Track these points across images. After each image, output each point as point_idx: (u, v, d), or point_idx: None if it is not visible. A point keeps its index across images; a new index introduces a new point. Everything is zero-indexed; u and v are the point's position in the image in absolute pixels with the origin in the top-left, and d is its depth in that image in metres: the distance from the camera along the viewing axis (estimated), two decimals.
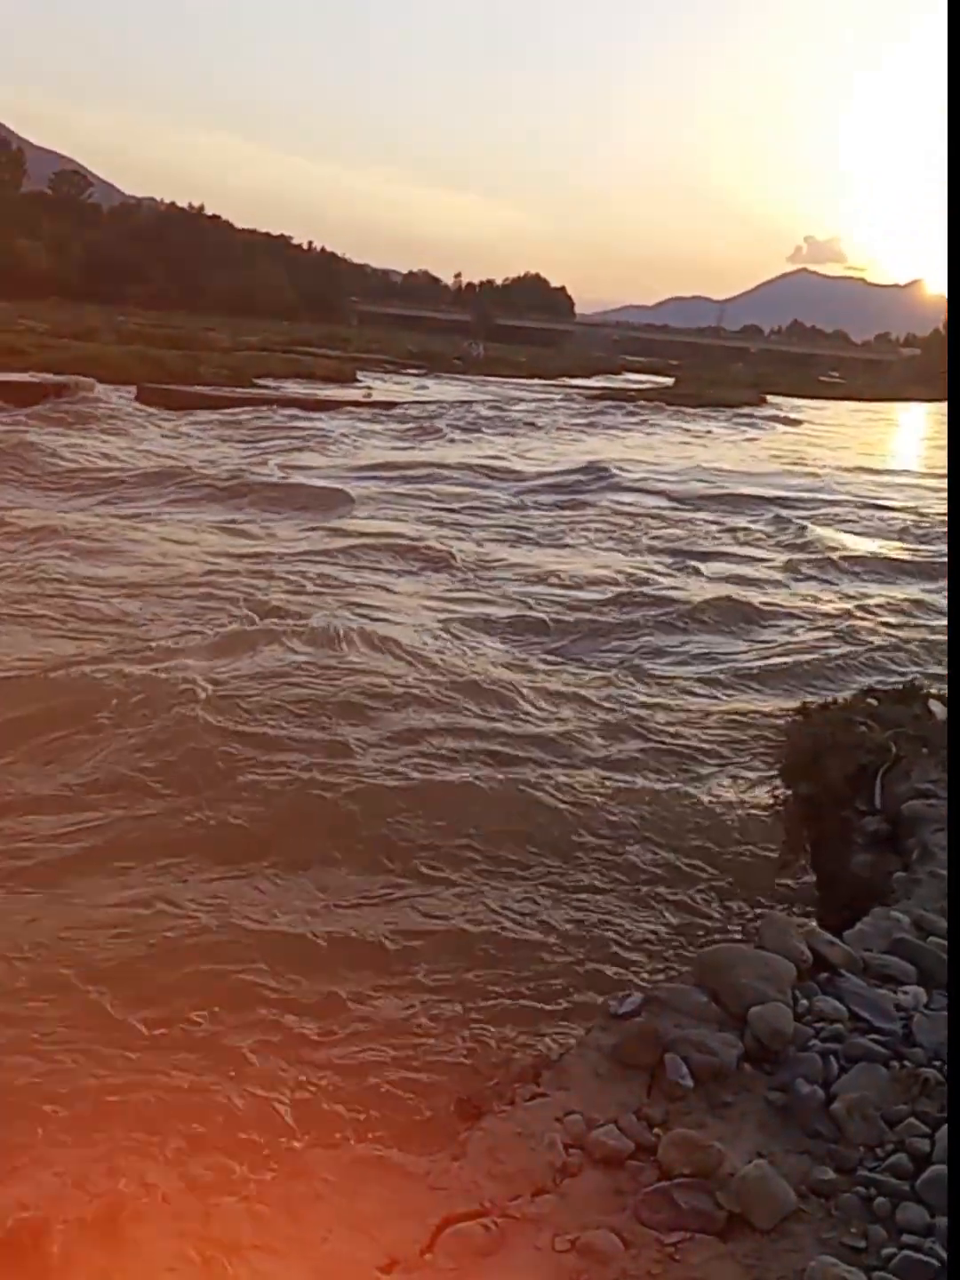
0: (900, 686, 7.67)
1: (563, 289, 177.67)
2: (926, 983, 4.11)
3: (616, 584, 14.46)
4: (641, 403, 55.06)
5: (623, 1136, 3.21)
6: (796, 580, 16.10)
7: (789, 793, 6.70)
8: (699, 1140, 3.15)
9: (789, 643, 12.13)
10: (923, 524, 22.52)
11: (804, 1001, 3.91)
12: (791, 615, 13.47)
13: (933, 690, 7.37)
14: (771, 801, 6.81)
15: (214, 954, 4.77)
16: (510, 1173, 3.08)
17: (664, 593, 13.94)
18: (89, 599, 11.16)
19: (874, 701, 7.22)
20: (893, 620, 13.33)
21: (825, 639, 12.26)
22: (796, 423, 54.47)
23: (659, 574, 15.49)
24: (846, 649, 11.74)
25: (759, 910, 4.93)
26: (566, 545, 17.24)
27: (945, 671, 9.65)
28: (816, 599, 14.82)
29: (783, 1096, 3.46)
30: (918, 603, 14.62)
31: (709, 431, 44.69)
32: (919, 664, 11.37)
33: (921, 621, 13.47)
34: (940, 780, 6.07)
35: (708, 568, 16.33)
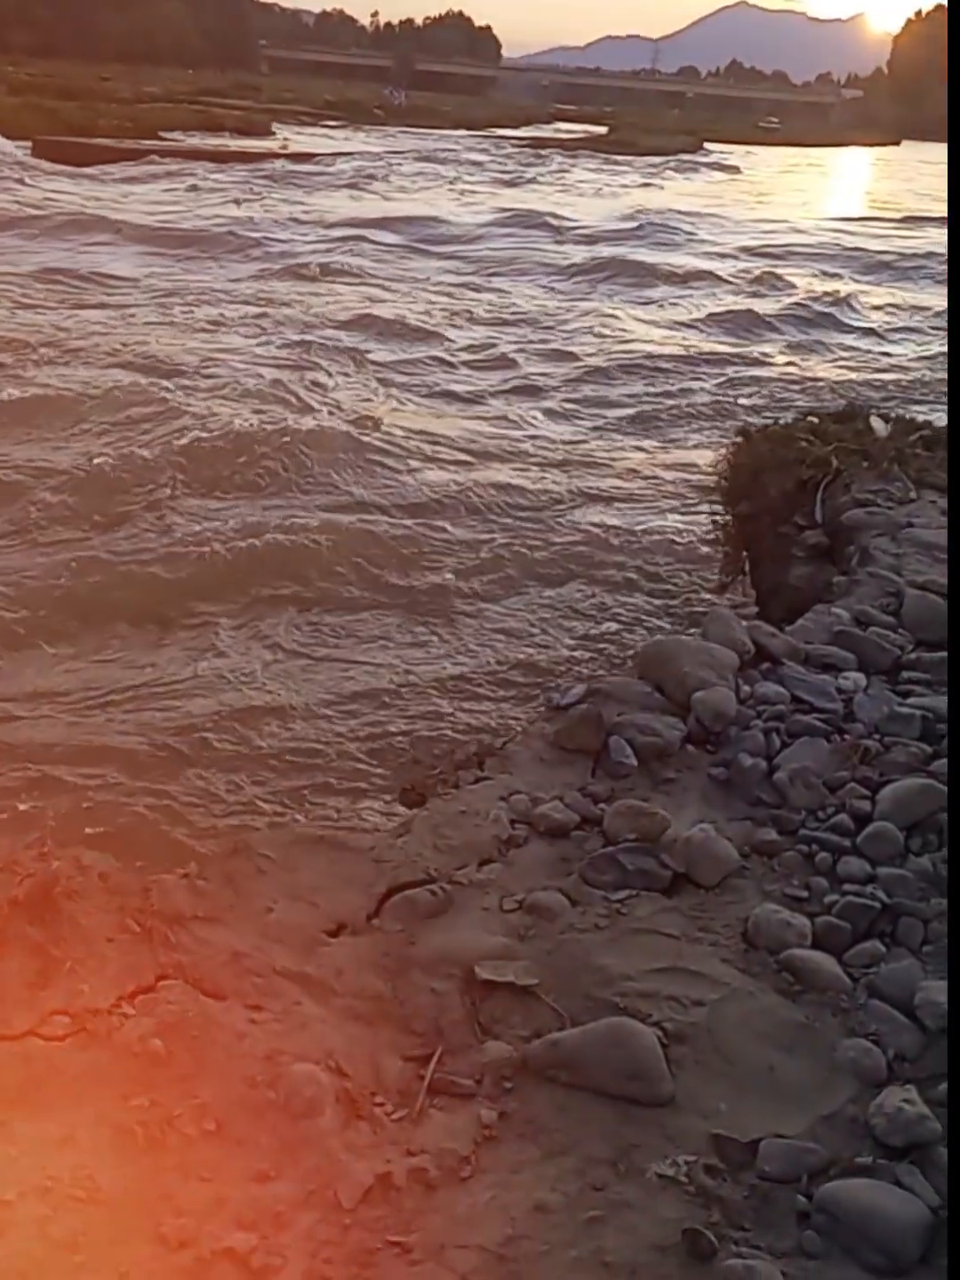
0: (841, 408, 7.52)
1: (488, 28, 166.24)
2: (866, 669, 4.12)
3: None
4: (579, 153, 52.31)
5: (568, 810, 3.21)
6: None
7: (729, 513, 6.62)
8: (644, 808, 3.16)
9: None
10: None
11: (746, 688, 3.90)
12: None
13: (873, 410, 7.23)
14: (712, 524, 6.73)
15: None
16: (456, 846, 3.07)
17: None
18: None
19: (814, 421, 7.08)
20: None
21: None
22: (735, 170, 52.21)
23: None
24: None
25: (701, 616, 4.90)
26: (515, 305, 16.44)
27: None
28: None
29: (725, 771, 3.48)
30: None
31: (649, 183, 42.66)
32: None
33: None
34: (881, 491, 6.00)
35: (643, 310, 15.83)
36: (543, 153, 50.60)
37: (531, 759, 3.51)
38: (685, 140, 64.41)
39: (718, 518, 6.76)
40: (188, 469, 7.49)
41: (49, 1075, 2.20)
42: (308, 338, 12.07)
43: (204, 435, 8.09)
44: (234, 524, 6.60)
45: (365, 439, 8.43)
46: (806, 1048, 2.44)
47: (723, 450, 7.28)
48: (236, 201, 24.29)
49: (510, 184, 36.32)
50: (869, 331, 15.07)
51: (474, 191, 32.47)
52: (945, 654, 4.13)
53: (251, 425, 8.30)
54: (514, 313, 14.95)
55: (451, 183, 34.27)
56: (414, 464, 8.26)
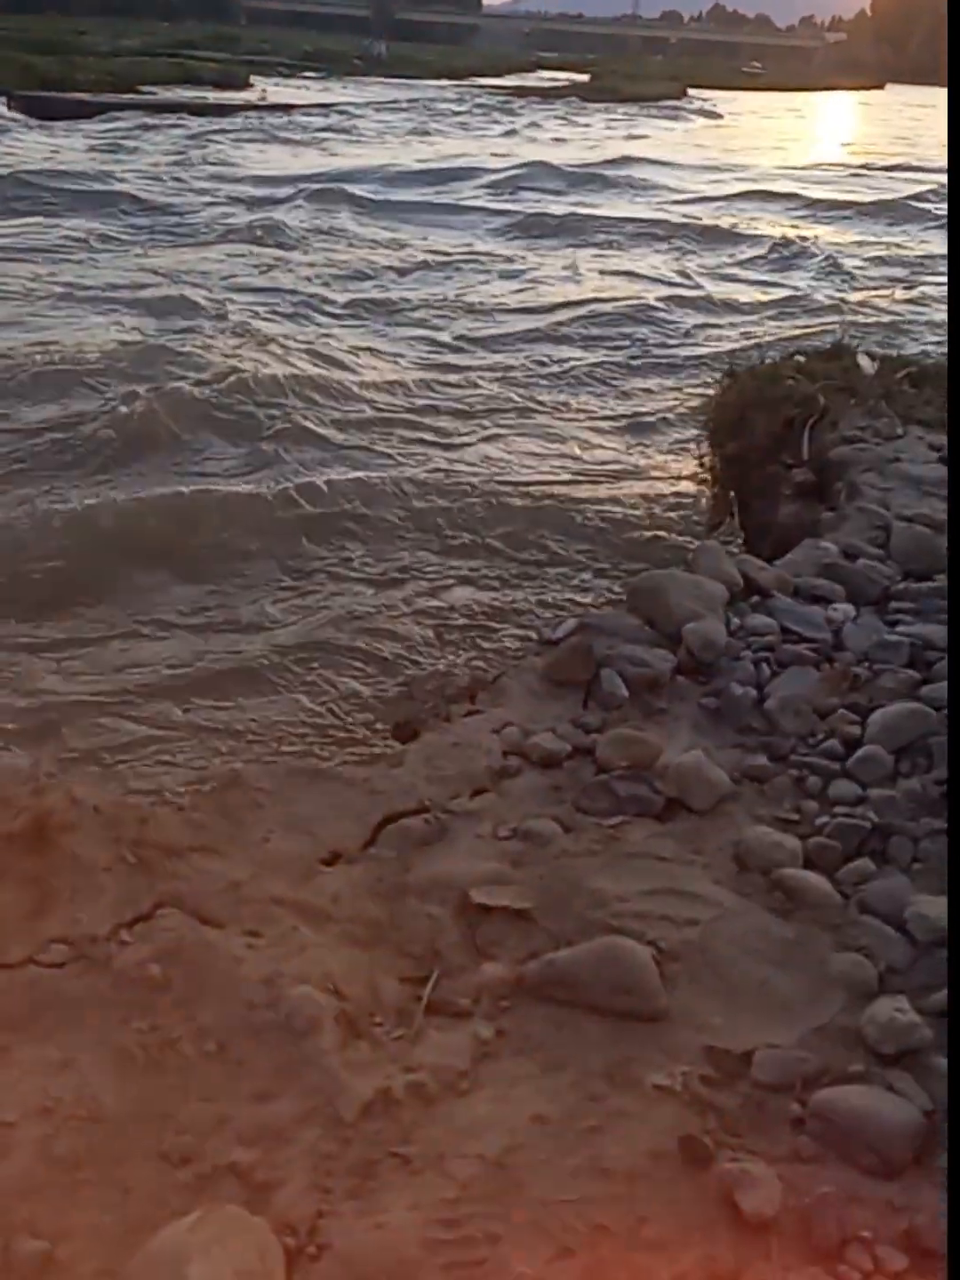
0: (828, 346, 7.47)
1: None
2: (855, 600, 4.13)
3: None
4: (568, 100, 51.53)
5: (560, 740, 3.22)
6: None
7: (717, 454, 6.60)
8: (636, 736, 3.17)
9: None
10: None
11: (736, 620, 3.91)
12: None
13: (860, 348, 7.19)
14: (699, 464, 6.71)
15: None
16: (449, 776, 3.08)
17: None
18: None
19: (801, 359, 7.04)
20: None
21: None
22: (717, 116, 51.54)
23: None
24: None
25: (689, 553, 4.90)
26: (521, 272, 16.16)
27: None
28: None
29: (716, 701, 3.48)
30: None
31: (634, 131, 42.06)
32: None
33: None
34: (868, 428, 5.99)
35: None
36: (522, 101, 49.82)
37: (523, 692, 3.52)
38: (668, 86, 63.45)
39: (705, 458, 6.74)
40: (180, 419, 7.45)
41: (49, 1001, 2.22)
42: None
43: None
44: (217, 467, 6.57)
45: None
46: (798, 963, 2.47)
47: (710, 390, 7.25)
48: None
49: (479, 134, 35.73)
50: (842, 273, 14.94)
51: (441, 139, 31.95)
52: (932, 583, 4.14)
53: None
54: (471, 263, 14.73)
55: (421, 134, 33.65)
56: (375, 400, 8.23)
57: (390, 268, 14.02)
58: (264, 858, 2.69)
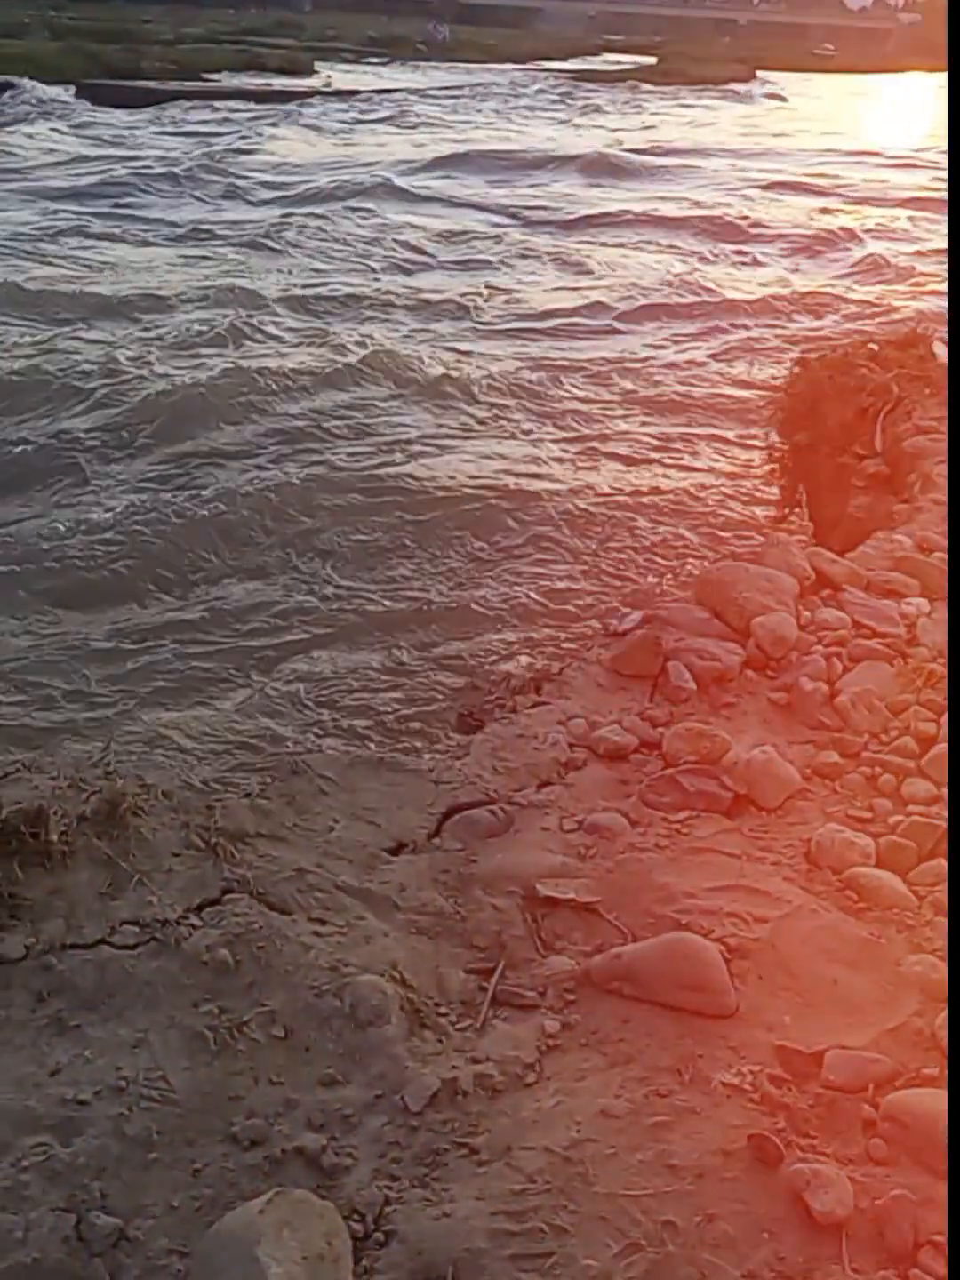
0: (903, 333, 7.32)
1: None
2: (930, 595, 4.05)
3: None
4: (631, 84, 50.97)
5: (627, 733, 3.19)
6: None
7: (786, 443, 6.50)
8: (705, 730, 3.13)
9: None
10: None
11: (806, 614, 3.85)
12: None
13: (936, 336, 7.04)
14: (767, 455, 6.61)
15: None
16: (514, 768, 3.07)
17: None
18: None
19: (874, 347, 6.91)
20: None
21: None
22: (782, 100, 50.64)
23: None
24: None
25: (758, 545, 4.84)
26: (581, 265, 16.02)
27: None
28: None
29: (785, 696, 3.44)
30: None
31: (694, 114, 41.51)
32: None
33: None
34: (943, 418, 5.86)
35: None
36: (585, 86, 49.36)
37: (589, 684, 3.50)
38: (736, 69, 62.48)
39: (774, 448, 6.65)
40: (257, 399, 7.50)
41: (122, 982, 2.24)
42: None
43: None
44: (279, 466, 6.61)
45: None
46: (871, 963, 2.43)
47: (780, 379, 7.15)
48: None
49: (541, 119, 35.36)
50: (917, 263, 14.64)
51: (492, 126, 31.71)
52: None
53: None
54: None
55: (477, 121, 33.39)
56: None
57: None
58: (330, 846, 2.70)
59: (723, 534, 6.03)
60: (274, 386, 7.69)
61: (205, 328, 9.41)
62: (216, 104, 32.19)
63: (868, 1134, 2.06)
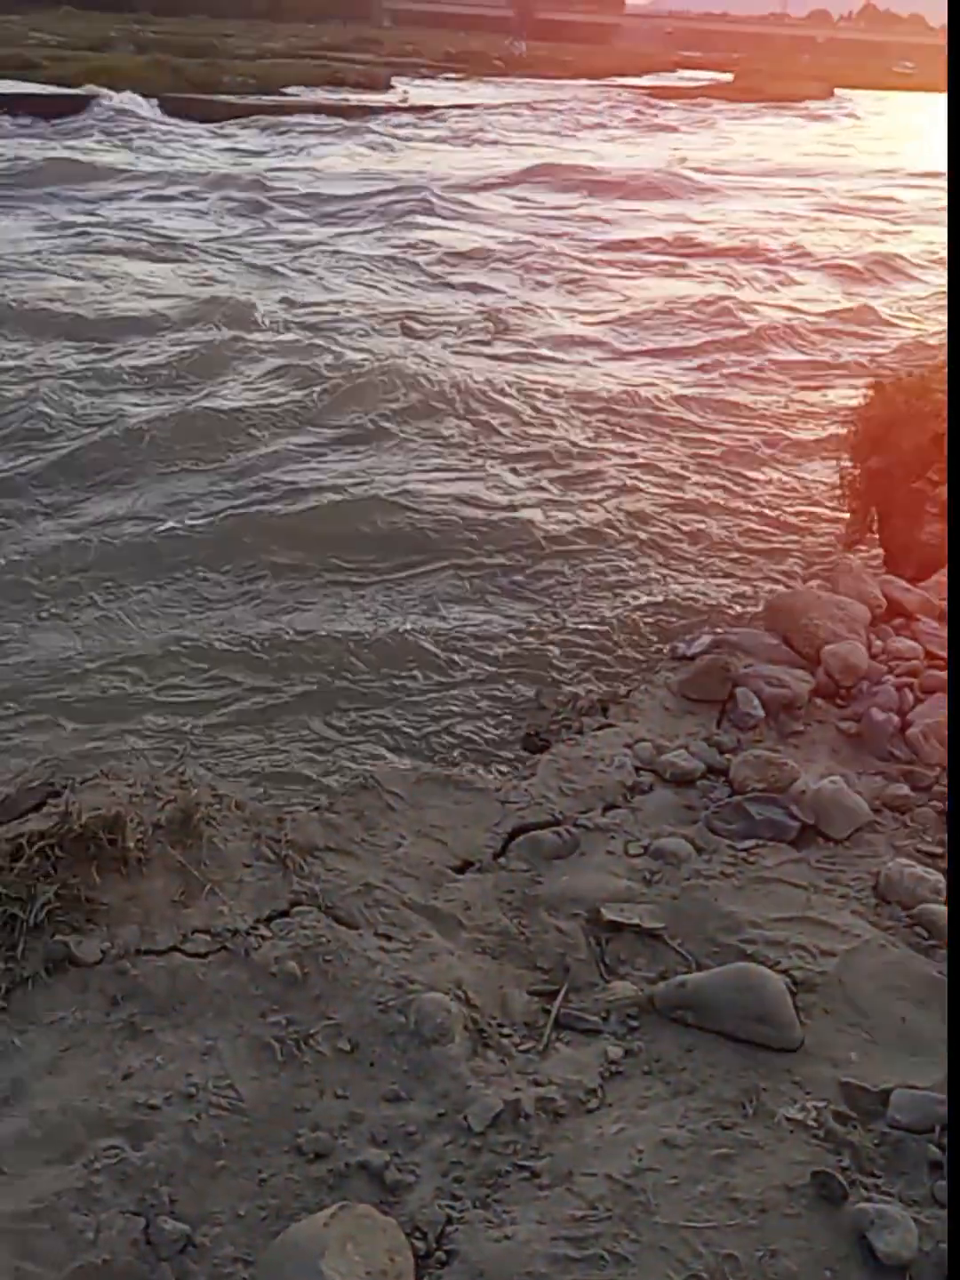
0: None
1: None
2: None
3: None
4: (704, 101, 50.89)
5: (693, 758, 3.19)
6: None
7: (859, 467, 6.43)
8: (773, 758, 3.12)
9: None
10: None
11: (878, 643, 3.82)
12: None
13: None
14: (840, 479, 6.54)
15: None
16: (580, 790, 3.08)
17: None
18: None
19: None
20: None
21: None
22: (857, 119, 50.24)
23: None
24: None
25: (830, 571, 4.80)
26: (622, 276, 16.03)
27: None
28: None
29: (855, 725, 3.42)
30: None
31: (774, 137, 41.27)
32: None
33: None
34: None
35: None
36: (659, 102, 49.30)
37: (656, 708, 3.50)
38: (814, 87, 62.20)
39: (847, 472, 6.58)
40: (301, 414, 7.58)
41: (192, 989, 2.29)
42: None
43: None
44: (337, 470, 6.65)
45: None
46: (941, 1001, 2.39)
47: (854, 402, 7.07)
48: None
49: (599, 135, 35.29)
50: None
51: (555, 145, 31.70)
52: None
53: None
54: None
55: (544, 137, 33.36)
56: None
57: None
58: (397, 862, 2.73)
59: (793, 560, 5.97)
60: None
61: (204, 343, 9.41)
62: (290, 118, 32.59)
63: (933, 1175, 2.04)
